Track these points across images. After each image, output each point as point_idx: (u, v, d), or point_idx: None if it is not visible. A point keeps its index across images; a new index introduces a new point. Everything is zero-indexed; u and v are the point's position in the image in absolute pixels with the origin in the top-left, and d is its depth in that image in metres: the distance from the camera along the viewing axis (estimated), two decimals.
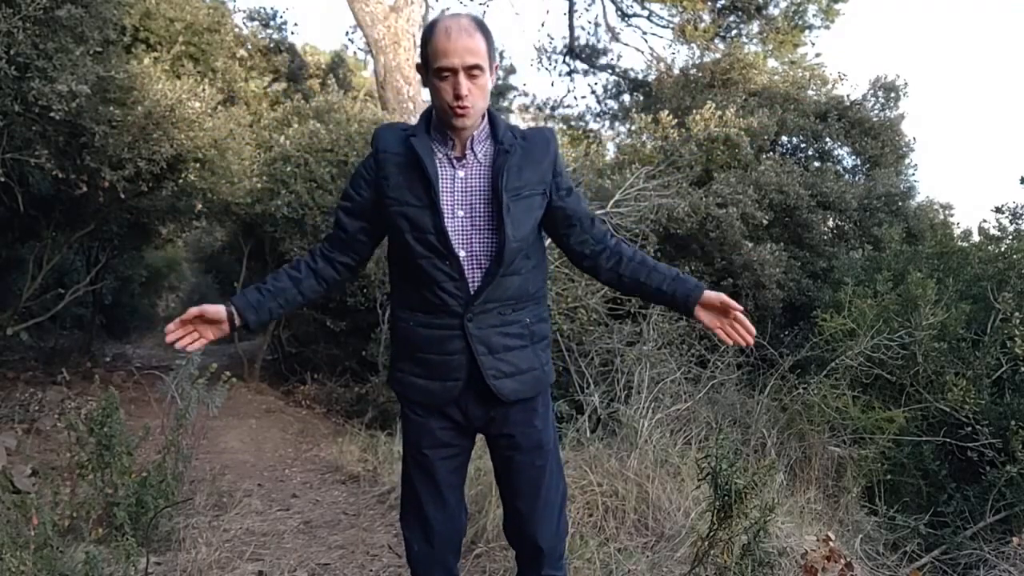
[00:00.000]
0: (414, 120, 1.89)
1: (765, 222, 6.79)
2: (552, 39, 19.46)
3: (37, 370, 6.71)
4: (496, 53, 1.81)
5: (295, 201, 6.44)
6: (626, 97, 13.84)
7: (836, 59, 42.57)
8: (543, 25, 41.38)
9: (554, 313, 5.07)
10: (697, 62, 10.77)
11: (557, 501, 1.95)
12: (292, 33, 19.80)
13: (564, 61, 14.28)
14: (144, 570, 2.66)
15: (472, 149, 1.75)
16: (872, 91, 9.18)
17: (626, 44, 21.76)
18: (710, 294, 1.81)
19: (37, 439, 4.71)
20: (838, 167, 8.95)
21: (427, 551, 1.90)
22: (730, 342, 1.82)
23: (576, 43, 14.00)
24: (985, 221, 6.73)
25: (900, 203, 8.02)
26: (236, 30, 10.40)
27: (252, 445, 5.36)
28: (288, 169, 6.56)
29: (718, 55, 10.52)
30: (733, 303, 1.79)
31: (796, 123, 8.57)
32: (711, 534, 2.58)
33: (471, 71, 1.66)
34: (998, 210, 6.46)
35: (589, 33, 14.14)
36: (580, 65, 14.23)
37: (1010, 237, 6.26)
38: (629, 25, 13.46)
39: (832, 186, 7.51)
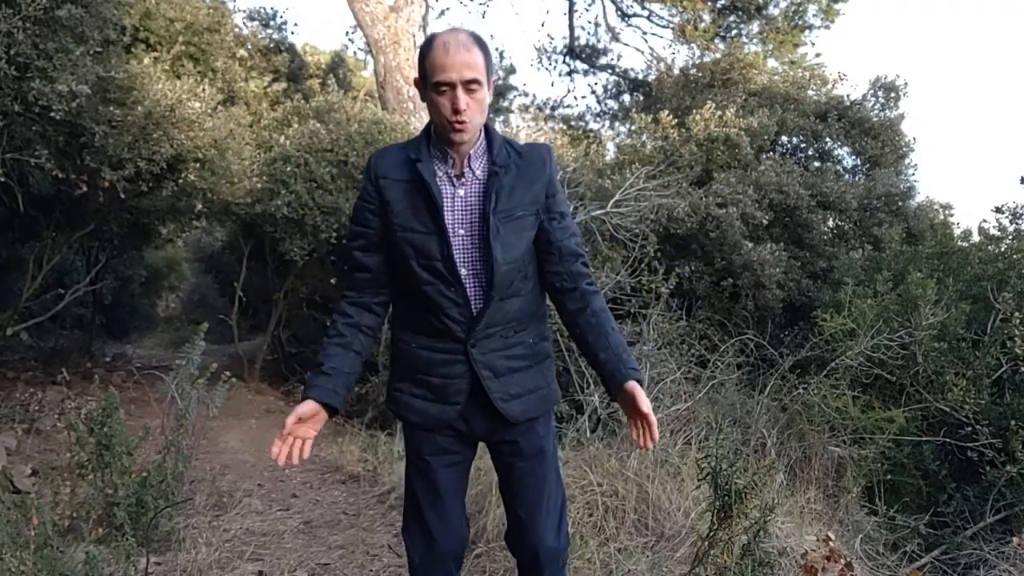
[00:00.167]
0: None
1: (765, 222, 6.78)
2: (552, 39, 19.46)
3: (37, 370, 6.71)
4: (494, 68, 1.81)
5: (295, 201, 6.44)
6: (626, 97, 13.83)
7: (836, 59, 42.60)
8: (543, 25, 41.36)
9: (555, 314, 5.06)
10: (697, 62, 10.77)
11: (557, 507, 1.95)
12: (292, 33, 19.85)
13: (564, 61, 14.29)
14: (144, 570, 2.66)
15: (470, 166, 1.74)
16: (872, 91, 9.18)
17: (626, 44, 21.77)
18: (632, 390, 1.71)
19: (37, 439, 4.71)
20: (838, 167, 8.95)
21: (429, 562, 1.89)
22: (634, 437, 1.74)
23: (576, 43, 14.00)
24: (985, 221, 6.75)
25: (900, 203, 8.02)
26: (236, 30, 10.39)
27: (252, 445, 5.35)
28: (288, 169, 6.56)
29: (718, 55, 10.52)
30: (643, 410, 1.69)
31: (796, 123, 8.57)
32: (711, 534, 2.58)
33: (469, 85, 1.65)
34: (998, 210, 6.47)
35: (589, 33, 14.14)
36: (580, 65, 14.23)
37: (1010, 237, 6.27)
38: (629, 25, 13.47)
39: (832, 186, 7.51)
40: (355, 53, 15.47)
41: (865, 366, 5.04)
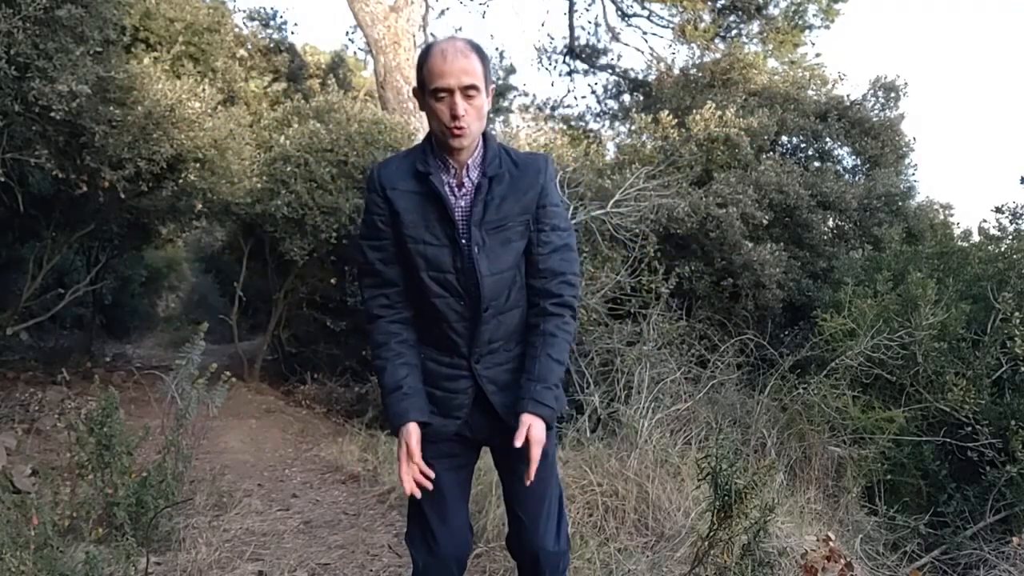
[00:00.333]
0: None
1: (765, 222, 6.78)
2: (552, 39, 19.46)
3: (37, 370, 6.71)
4: (492, 75, 1.81)
5: (295, 201, 6.44)
6: (626, 97, 13.82)
7: (836, 59, 42.61)
8: (543, 25, 41.48)
9: None
10: (697, 62, 10.76)
11: (556, 509, 1.95)
12: (292, 33, 19.89)
13: (564, 61, 14.28)
14: (144, 570, 2.66)
15: (469, 176, 1.74)
16: (872, 91, 9.17)
17: (626, 44, 21.74)
18: (522, 421, 1.68)
19: (37, 439, 4.71)
20: (838, 167, 8.94)
21: (431, 563, 1.88)
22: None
23: (576, 43, 13.99)
24: (985, 221, 6.74)
25: (900, 203, 8.01)
26: (236, 30, 10.40)
27: (252, 445, 5.35)
28: (288, 169, 6.56)
29: (718, 55, 10.51)
30: (530, 451, 1.68)
31: (796, 123, 8.57)
32: (711, 534, 2.58)
33: (467, 91, 1.65)
34: (998, 210, 6.46)
35: (589, 33, 14.14)
36: (580, 65, 14.22)
37: (1010, 237, 6.27)
38: (629, 25, 13.46)
39: (832, 186, 7.51)
40: (355, 53, 15.50)
41: (865, 366, 5.04)
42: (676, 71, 11.48)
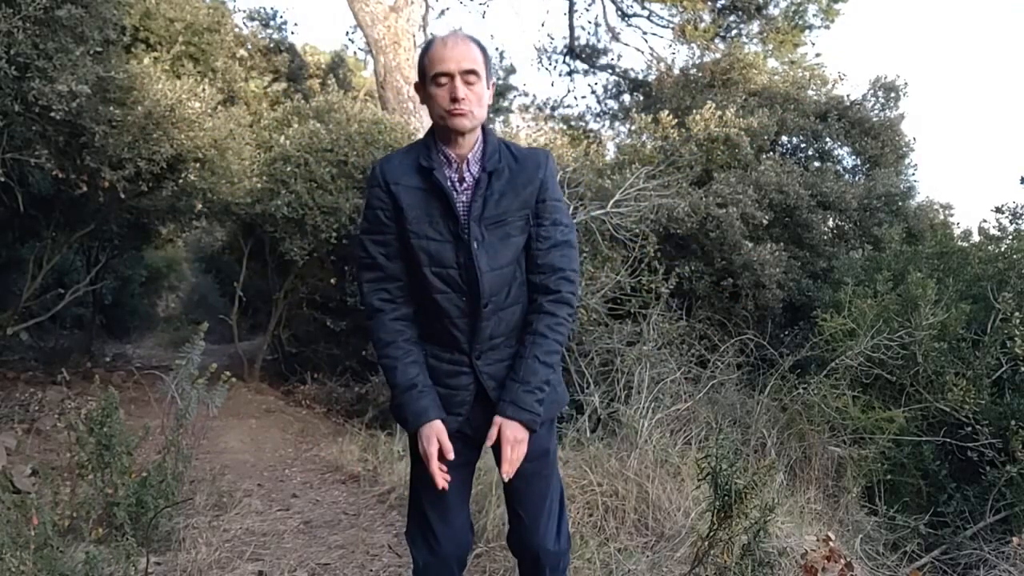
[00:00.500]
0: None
1: (765, 222, 6.78)
2: (552, 39, 19.47)
3: (37, 370, 6.71)
4: (493, 71, 1.81)
5: (295, 201, 6.44)
6: (626, 97, 13.82)
7: (836, 59, 42.59)
8: (543, 25, 41.45)
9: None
10: (697, 62, 10.76)
11: (556, 508, 1.95)
12: (292, 33, 19.93)
13: (564, 61, 14.29)
14: (144, 570, 2.66)
15: (470, 170, 1.73)
16: (872, 91, 9.18)
17: (626, 44, 21.79)
18: (496, 425, 1.71)
19: (37, 439, 4.71)
20: (838, 167, 8.94)
21: (432, 562, 1.88)
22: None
23: (576, 43, 14.00)
24: (985, 221, 6.74)
25: (900, 203, 8.01)
26: (236, 30, 10.40)
27: (252, 445, 5.36)
28: (288, 169, 6.56)
29: (718, 55, 10.51)
30: (504, 451, 1.69)
31: (796, 123, 8.57)
32: (711, 534, 2.58)
33: (467, 76, 1.66)
34: (998, 210, 6.46)
35: (589, 33, 14.15)
36: (580, 65, 14.23)
37: (1010, 237, 6.26)
38: (629, 25, 13.47)
39: (832, 186, 7.51)
40: (355, 53, 15.51)
41: (865, 366, 5.04)
42: (676, 71, 11.48)
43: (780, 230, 7.20)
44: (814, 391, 4.78)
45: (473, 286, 1.71)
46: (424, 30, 9.83)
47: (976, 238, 6.75)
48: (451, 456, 1.70)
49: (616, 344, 5.07)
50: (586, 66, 14.18)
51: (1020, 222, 6.37)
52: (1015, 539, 3.87)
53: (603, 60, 14.10)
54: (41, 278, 6.34)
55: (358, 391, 7.14)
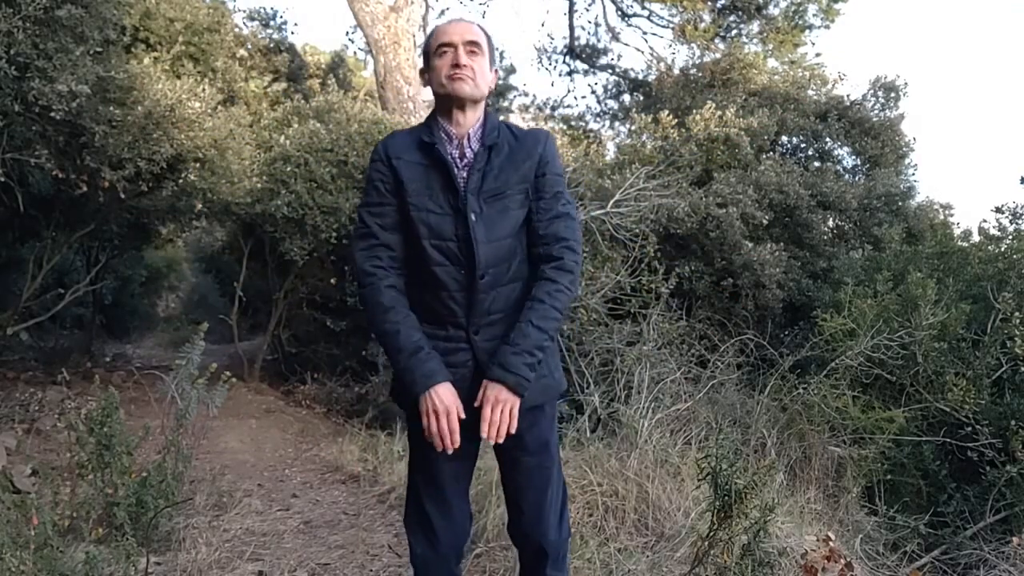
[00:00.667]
0: (414, 120, 1.92)
1: (765, 222, 6.78)
2: (552, 39, 19.51)
3: (37, 370, 6.71)
4: (495, 56, 1.85)
5: (295, 201, 6.44)
6: (626, 97, 13.82)
7: (836, 59, 42.60)
8: (543, 25, 41.49)
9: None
10: (697, 62, 10.77)
11: (559, 501, 1.96)
12: (292, 33, 19.92)
13: (564, 61, 14.29)
14: (144, 570, 2.66)
15: (470, 146, 1.76)
16: (872, 91, 9.18)
17: (626, 44, 21.83)
18: (484, 385, 1.70)
19: (37, 439, 4.71)
20: (838, 167, 8.94)
21: (430, 555, 1.89)
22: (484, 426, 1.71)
23: (576, 43, 14.00)
24: (985, 221, 6.74)
25: (900, 203, 8.02)
26: (236, 30, 10.39)
27: (252, 445, 5.35)
28: (288, 169, 6.56)
29: (718, 55, 10.51)
30: (484, 411, 1.68)
31: (796, 123, 8.57)
32: (711, 534, 2.58)
33: (469, 46, 1.71)
34: (998, 210, 6.46)
35: (589, 33, 14.16)
36: (580, 65, 14.22)
37: (1010, 237, 6.26)
38: (629, 25, 13.47)
39: (832, 186, 7.51)
40: (355, 53, 15.50)
41: (865, 366, 5.04)
42: (676, 71, 11.48)
43: (780, 230, 7.20)
44: (814, 391, 4.78)
45: (471, 258, 1.72)
46: (424, 30, 9.84)
47: (976, 238, 6.75)
48: (463, 415, 1.68)
49: (616, 344, 5.07)
50: (586, 66, 14.19)
51: (1020, 222, 6.38)
52: (1015, 539, 3.88)
53: (603, 60, 14.11)
54: (41, 278, 6.34)
55: (358, 391, 7.15)
